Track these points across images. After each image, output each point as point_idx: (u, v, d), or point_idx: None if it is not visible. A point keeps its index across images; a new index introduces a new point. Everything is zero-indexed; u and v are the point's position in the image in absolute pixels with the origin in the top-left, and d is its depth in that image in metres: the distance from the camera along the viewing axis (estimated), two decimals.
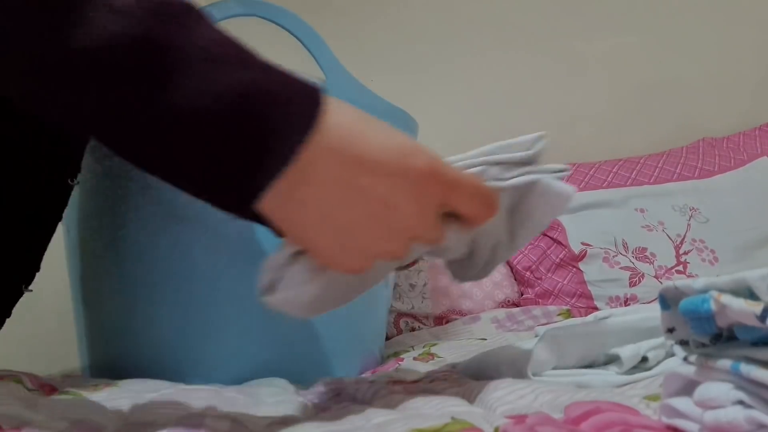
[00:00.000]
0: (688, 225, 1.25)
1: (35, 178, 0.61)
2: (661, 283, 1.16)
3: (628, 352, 0.54)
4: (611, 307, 1.14)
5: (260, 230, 0.85)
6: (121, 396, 0.58)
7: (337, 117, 0.40)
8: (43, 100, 0.36)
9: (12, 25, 0.34)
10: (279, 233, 0.44)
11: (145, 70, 0.35)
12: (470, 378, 0.60)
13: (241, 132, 0.37)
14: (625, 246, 1.22)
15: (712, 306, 0.30)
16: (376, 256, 0.43)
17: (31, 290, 0.66)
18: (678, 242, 1.23)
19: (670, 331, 0.35)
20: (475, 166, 0.49)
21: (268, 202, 0.40)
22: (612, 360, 0.56)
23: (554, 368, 0.55)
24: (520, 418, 0.38)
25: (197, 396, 0.57)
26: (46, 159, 0.61)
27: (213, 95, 0.35)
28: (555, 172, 0.51)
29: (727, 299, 0.30)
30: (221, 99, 0.36)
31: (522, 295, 1.25)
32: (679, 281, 0.33)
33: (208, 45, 0.36)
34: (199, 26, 0.36)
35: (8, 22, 0.34)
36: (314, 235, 0.42)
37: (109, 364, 0.86)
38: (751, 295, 0.29)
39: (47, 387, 0.59)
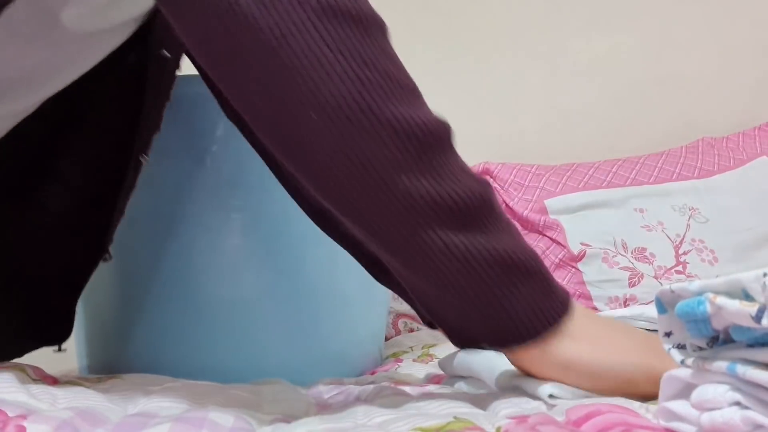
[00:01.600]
0: (688, 225, 1.25)
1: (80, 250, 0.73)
2: (660, 283, 1.17)
3: None
4: (611, 308, 1.14)
5: (260, 232, 0.86)
6: (124, 388, 0.57)
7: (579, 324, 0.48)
8: (374, 229, 0.47)
9: (388, 169, 0.45)
10: None
11: (478, 218, 0.47)
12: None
13: (522, 286, 0.47)
14: (625, 246, 1.22)
15: (708, 308, 0.31)
16: None
17: (65, 349, 0.75)
18: (677, 242, 1.23)
19: (668, 335, 0.35)
20: None
21: (512, 354, 0.49)
22: None
23: None
24: (521, 419, 0.38)
25: (201, 391, 0.57)
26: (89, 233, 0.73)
27: (514, 248, 0.47)
28: None
29: (722, 301, 0.30)
30: (517, 253, 0.47)
31: None
32: (675, 284, 0.33)
33: (502, 211, 0.49)
34: (495, 195, 0.49)
35: (386, 169, 0.44)
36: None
37: (107, 365, 0.86)
38: (746, 296, 0.30)
39: (50, 378, 0.59)
